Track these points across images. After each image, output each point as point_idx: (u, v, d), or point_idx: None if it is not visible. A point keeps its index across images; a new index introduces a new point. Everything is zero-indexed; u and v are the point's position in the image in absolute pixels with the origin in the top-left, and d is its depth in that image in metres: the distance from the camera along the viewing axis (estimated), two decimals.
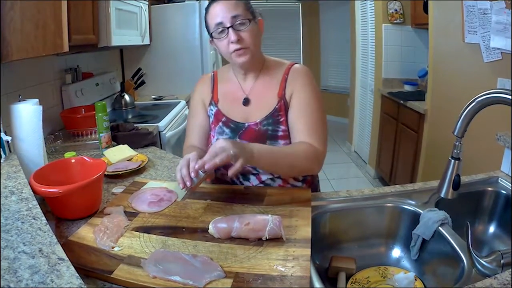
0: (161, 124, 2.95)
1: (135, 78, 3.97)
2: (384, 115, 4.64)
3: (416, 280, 1.26)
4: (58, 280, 0.83)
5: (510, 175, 1.64)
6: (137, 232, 1.24)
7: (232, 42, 1.47)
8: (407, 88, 4.47)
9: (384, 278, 1.32)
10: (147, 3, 3.77)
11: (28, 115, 1.62)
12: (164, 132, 2.94)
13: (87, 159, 1.59)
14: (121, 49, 4.26)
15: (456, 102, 2.87)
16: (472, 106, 1.13)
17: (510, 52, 2.39)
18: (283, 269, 1.03)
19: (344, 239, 1.49)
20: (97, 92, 3.36)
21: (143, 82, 4.01)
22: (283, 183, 1.62)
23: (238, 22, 1.46)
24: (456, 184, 1.20)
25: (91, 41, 2.62)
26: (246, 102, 1.63)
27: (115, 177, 1.79)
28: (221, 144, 1.28)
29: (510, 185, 1.58)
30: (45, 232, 1.03)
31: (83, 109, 2.79)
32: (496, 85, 2.54)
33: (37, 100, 1.70)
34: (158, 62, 4.24)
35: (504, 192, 1.57)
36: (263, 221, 1.17)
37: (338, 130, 6.76)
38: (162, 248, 1.15)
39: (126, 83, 3.84)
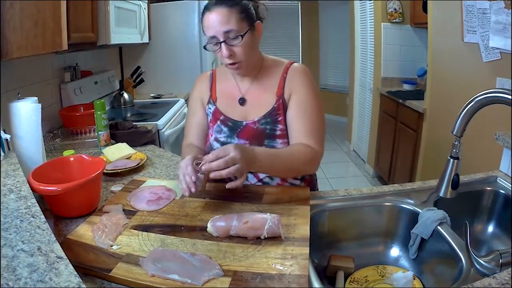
0: (160, 122, 2.95)
1: (134, 76, 3.97)
2: (383, 114, 4.64)
3: (414, 279, 1.26)
4: (56, 279, 0.83)
5: (509, 174, 1.65)
6: (135, 231, 1.24)
7: (224, 57, 1.47)
8: (406, 87, 4.48)
9: (382, 277, 1.33)
10: (146, 1, 3.76)
11: (27, 113, 1.62)
12: (163, 130, 2.94)
13: (85, 157, 1.59)
14: (120, 47, 4.26)
15: (455, 102, 2.88)
16: (471, 106, 1.13)
17: (510, 52, 2.39)
18: (281, 268, 1.03)
19: (342, 238, 1.49)
20: (96, 90, 3.36)
21: (142, 81, 4.01)
22: (281, 182, 1.62)
23: (231, 37, 1.45)
24: (455, 183, 1.20)
25: (90, 39, 2.61)
26: (242, 101, 1.63)
27: (114, 175, 1.79)
28: (232, 155, 1.27)
29: (509, 184, 1.58)
30: (43, 230, 1.03)
31: (82, 107, 2.78)
32: (495, 85, 2.54)
33: (36, 98, 1.70)
34: (157, 60, 4.23)
35: (503, 191, 1.57)
36: (262, 219, 1.17)
37: (337, 129, 6.77)
38: (160, 246, 1.15)
39: (125, 81, 3.84)
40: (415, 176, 3.79)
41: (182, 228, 1.25)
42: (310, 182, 1.69)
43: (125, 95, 3.67)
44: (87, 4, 2.49)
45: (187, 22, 4.15)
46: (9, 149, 1.62)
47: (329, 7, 7.40)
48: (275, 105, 1.58)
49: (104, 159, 1.78)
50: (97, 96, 3.33)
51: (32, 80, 2.47)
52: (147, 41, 3.95)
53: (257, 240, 1.16)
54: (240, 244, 1.15)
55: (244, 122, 1.60)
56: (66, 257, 0.91)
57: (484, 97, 1.11)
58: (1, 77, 1.96)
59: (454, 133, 1.17)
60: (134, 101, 3.80)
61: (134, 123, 2.55)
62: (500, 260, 1.08)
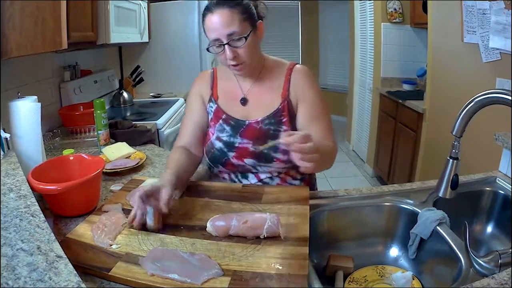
0: (160, 121, 2.95)
1: (134, 76, 3.97)
2: (382, 114, 4.64)
3: (413, 279, 1.26)
4: (56, 278, 0.83)
5: (508, 175, 1.65)
6: (135, 230, 1.24)
7: (228, 59, 1.47)
8: (406, 87, 4.48)
9: (381, 277, 1.33)
10: (146, 0, 3.76)
11: (26, 112, 1.62)
12: (162, 129, 2.94)
13: (85, 156, 1.59)
14: (120, 47, 4.25)
15: (455, 102, 2.88)
16: (471, 106, 1.13)
17: (510, 53, 2.39)
18: (281, 268, 1.03)
19: (342, 238, 1.49)
20: (95, 89, 3.36)
21: (141, 80, 4.01)
22: (281, 182, 1.62)
23: (234, 39, 1.44)
24: (454, 183, 1.20)
25: (90, 38, 2.61)
26: (244, 101, 1.63)
27: (113, 174, 1.79)
28: (311, 141, 1.22)
29: (508, 185, 1.58)
30: (43, 229, 1.03)
31: (81, 107, 2.78)
32: (494, 85, 2.54)
33: (35, 97, 1.70)
34: (157, 59, 4.23)
35: (502, 192, 1.58)
36: (261, 219, 1.17)
37: (336, 129, 6.66)
38: (160, 246, 1.15)
39: (124, 81, 3.84)
40: (415, 176, 3.79)
41: (182, 227, 1.25)
42: (309, 182, 1.69)
43: (125, 94, 3.66)
44: (87, 3, 2.49)
45: (187, 21, 4.14)
46: (8, 148, 1.62)
47: (329, 7, 7.40)
48: (280, 107, 1.58)
49: (104, 158, 1.78)
50: (97, 95, 3.32)
51: (31, 79, 2.47)
52: (147, 41, 3.95)
53: (257, 239, 1.16)
54: (239, 243, 1.15)
55: (247, 121, 1.60)
56: (65, 256, 0.91)
57: (483, 98, 1.11)
58: (0, 76, 1.96)
59: (453, 133, 1.17)
60: (134, 100, 3.79)
61: (133, 122, 2.55)
62: (499, 261, 1.09)
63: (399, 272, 1.28)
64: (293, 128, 1.60)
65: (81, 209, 1.38)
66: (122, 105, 3.62)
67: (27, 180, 1.31)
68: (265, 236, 1.15)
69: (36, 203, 1.16)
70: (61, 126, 2.63)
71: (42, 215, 1.10)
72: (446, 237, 1.26)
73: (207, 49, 1.52)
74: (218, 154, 1.62)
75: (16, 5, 1.70)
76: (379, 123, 4.77)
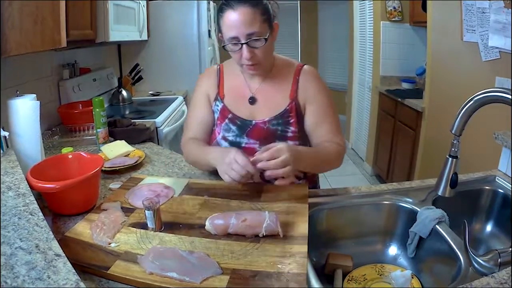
0: (158, 119, 2.95)
1: (133, 74, 3.96)
2: (381, 113, 4.64)
3: (412, 278, 1.26)
4: (54, 276, 0.82)
5: (508, 174, 1.65)
6: (134, 228, 1.24)
7: (245, 58, 1.45)
8: (405, 85, 4.48)
9: (380, 275, 1.33)
10: None
11: (25, 111, 1.62)
12: (161, 127, 2.93)
13: (84, 154, 1.58)
14: (119, 45, 4.25)
15: (454, 101, 2.88)
16: (470, 105, 1.13)
17: (509, 51, 2.38)
18: (279, 266, 1.03)
19: (341, 236, 1.49)
20: (94, 87, 3.35)
21: (140, 78, 4.00)
22: None
23: (253, 39, 1.42)
24: (454, 182, 1.20)
25: (89, 37, 2.60)
26: (253, 101, 1.62)
27: (112, 172, 1.79)
28: (287, 156, 1.32)
29: (508, 184, 1.58)
30: (42, 228, 1.02)
31: (80, 105, 2.77)
32: (494, 84, 2.54)
33: (34, 95, 1.70)
34: (156, 58, 4.22)
35: (502, 191, 1.57)
36: (260, 217, 1.17)
37: None
38: (158, 244, 1.15)
39: (123, 79, 3.83)
40: (414, 174, 3.79)
41: (180, 226, 1.25)
42: (313, 178, 1.70)
43: (124, 93, 3.66)
44: (86, 2, 2.48)
45: (186, 19, 4.14)
46: (7, 147, 1.62)
47: (329, 6, 7.39)
48: (288, 107, 1.57)
49: (103, 157, 1.78)
50: (96, 93, 3.32)
51: (30, 77, 2.46)
52: (146, 39, 3.94)
53: (256, 238, 1.16)
54: (238, 242, 1.15)
55: (254, 121, 1.59)
56: (64, 254, 0.91)
57: (483, 96, 1.11)
58: (0, 75, 1.96)
59: (453, 132, 1.17)
60: (133, 98, 3.79)
61: (132, 121, 2.55)
62: (499, 260, 1.09)
63: (398, 271, 1.28)
64: (300, 129, 1.60)
65: (80, 207, 1.38)
66: (121, 103, 3.62)
67: (26, 179, 1.31)
68: (264, 234, 1.15)
69: (35, 202, 1.16)
70: (60, 124, 2.62)
71: (40, 214, 1.10)
72: (445, 236, 1.26)
73: (223, 47, 1.49)
74: None
75: (16, 4, 1.70)
76: (378, 122, 4.77)
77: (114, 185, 1.64)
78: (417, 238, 1.36)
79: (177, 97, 3.80)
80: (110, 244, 1.14)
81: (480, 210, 1.61)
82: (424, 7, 3.78)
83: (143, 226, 1.24)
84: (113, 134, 2.29)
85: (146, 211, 1.21)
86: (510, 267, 1.04)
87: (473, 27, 2.71)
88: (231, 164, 1.35)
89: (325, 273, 1.34)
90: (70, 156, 1.58)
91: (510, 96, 1.04)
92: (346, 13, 5.95)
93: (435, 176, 1.27)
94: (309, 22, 7.72)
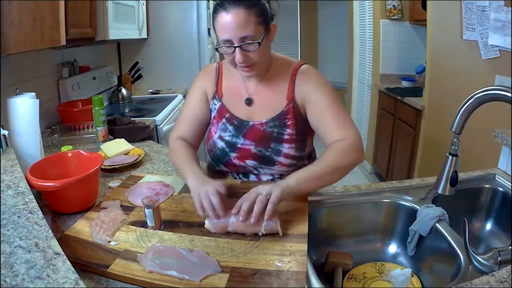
0: (158, 118, 2.95)
1: (132, 72, 3.96)
2: (381, 111, 4.64)
3: (412, 276, 1.26)
4: (54, 275, 0.82)
5: (508, 172, 1.65)
6: (133, 226, 1.24)
7: (238, 62, 1.40)
8: (405, 84, 4.47)
9: (380, 274, 1.33)
10: None
11: (25, 109, 1.62)
12: (161, 126, 2.93)
13: (83, 153, 1.58)
14: (118, 43, 4.24)
15: (454, 99, 2.87)
16: (470, 103, 1.13)
17: (509, 50, 2.38)
18: (279, 264, 1.03)
19: (341, 235, 1.49)
20: (94, 86, 3.35)
21: (140, 76, 4.00)
22: None
23: (247, 42, 1.36)
24: (454, 180, 1.20)
25: (88, 35, 2.60)
26: (249, 102, 1.58)
27: (112, 171, 1.79)
28: (261, 197, 1.21)
29: (507, 182, 1.58)
30: (41, 226, 1.02)
31: (80, 103, 2.77)
32: (493, 83, 2.54)
33: (34, 94, 1.69)
34: (155, 56, 4.22)
35: (501, 189, 1.58)
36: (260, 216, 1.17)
37: None
38: (158, 242, 1.15)
39: (123, 77, 3.83)
40: (414, 173, 3.79)
41: (180, 224, 1.25)
42: None
43: (123, 91, 3.65)
44: (85, 0, 2.48)
45: (185, 17, 4.14)
46: (7, 145, 1.62)
47: (328, 4, 7.38)
48: (285, 109, 1.54)
49: (102, 155, 1.78)
50: (95, 91, 3.31)
51: (30, 75, 2.46)
52: (146, 37, 3.95)
53: (255, 236, 1.16)
54: (238, 240, 1.15)
55: (251, 123, 1.57)
56: (63, 253, 0.91)
57: (483, 95, 1.11)
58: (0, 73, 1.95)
59: (453, 130, 1.16)
60: (132, 96, 3.78)
61: (132, 119, 2.55)
62: (499, 258, 1.09)
63: (398, 269, 1.28)
64: (299, 131, 1.55)
65: (80, 206, 1.38)
66: (120, 102, 3.62)
67: (25, 177, 1.31)
68: (264, 233, 1.15)
69: (34, 200, 1.16)
70: (60, 122, 2.62)
71: (40, 212, 1.09)
72: (445, 234, 1.26)
73: (216, 49, 1.46)
74: (220, 153, 1.61)
75: (15, 2, 1.69)
76: (378, 120, 4.77)
77: (114, 183, 1.64)
78: (417, 236, 1.36)
79: (177, 95, 3.80)
80: (109, 242, 1.14)
81: (480, 209, 1.62)
82: (423, 5, 3.78)
83: (142, 224, 1.25)
84: (113, 133, 2.28)
85: (145, 209, 1.21)
86: (510, 266, 1.04)
87: (473, 26, 2.71)
88: (203, 200, 1.24)
89: (325, 272, 1.34)
90: (69, 155, 1.58)
91: (510, 94, 1.04)
92: (346, 12, 5.94)
93: (435, 174, 1.27)
94: (308, 21, 7.70)
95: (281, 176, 1.60)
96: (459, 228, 1.18)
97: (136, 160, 1.87)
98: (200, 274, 0.99)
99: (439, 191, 1.24)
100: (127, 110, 3.34)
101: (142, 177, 1.64)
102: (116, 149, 2.00)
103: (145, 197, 1.23)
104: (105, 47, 3.93)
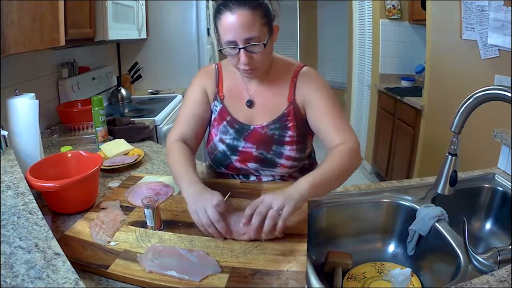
0: (158, 118, 2.94)
1: (132, 72, 3.96)
2: (380, 111, 4.64)
3: (412, 276, 1.26)
4: (54, 275, 0.82)
5: (508, 172, 1.65)
6: (133, 227, 1.24)
7: (242, 63, 1.39)
8: (404, 83, 4.47)
9: (380, 273, 1.33)
10: None
11: (24, 110, 1.62)
12: (160, 126, 2.93)
13: (83, 153, 1.58)
14: (118, 43, 4.24)
15: (453, 98, 2.88)
16: (470, 103, 1.13)
17: (509, 50, 2.38)
18: (279, 264, 1.03)
19: (340, 235, 1.49)
20: (93, 86, 3.35)
21: (139, 76, 4.00)
22: (287, 178, 1.61)
23: (252, 44, 1.35)
24: (453, 180, 1.20)
25: (88, 35, 2.60)
26: (250, 104, 1.57)
27: (112, 171, 1.79)
28: (265, 205, 1.14)
29: (507, 181, 1.58)
30: (41, 227, 1.02)
31: (79, 103, 2.77)
32: (493, 82, 2.54)
33: (33, 94, 1.69)
34: (155, 56, 4.22)
35: (501, 189, 1.58)
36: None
37: None
38: (158, 242, 1.15)
39: (122, 77, 3.83)
40: (413, 172, 3.79)
41: (180, 224, 1.25)
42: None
43: (123, 91, 3.65)
44: (85, 0, 2.48)
45: (185, 17, 4.14)
46: (6, 146, 1.62)
47: (328, 4, 7.37)
48: (285, 111, 1.53)
49: (102, 155, 1.78)
50: (95, 92, 3.31)
51: (29, 76, 2.46)
52: (145, 37, 3.95)
53: None
54: (238, 240, 1.15)
55: (252, 126, 1.56)
56: (63, 253, 0.91)
57: (482, 94, 1.11)
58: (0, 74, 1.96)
59: (452, 129, 1.17)
60: (132, 97, 3.78)
61: (131, 119, 2.55)
62: (498, 257, 1.09)
63: (398, 269, 1.28)
64: (300, 133, 1.55)
65: (79, 206, 1.38)
66: (120, 102, 3.61)
67: (25, 178, 1.31)
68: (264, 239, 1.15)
69: (34, 201, 1.16)
70: (59, 123, 2.62)
71: (40, 213, 1.10)
72: (445, 233, 1.26)
73: (220, 51, 1.43)
74: (221, 156, 1.60)
75: (14, 2, 1.69)
76: (377, 120, 4.77)
77: (113, 183, 1.64)
78: (416, 236, 1.36)
79: (176, 95, 3.79)
80: (109, 242, 1.14)
81: (480, 208, 1.62)
82: (423, 5, 3.78)
83: (142, 224, 1.25)
84: (112, 133, 2.28)
85: (145, 209, 1.21)
86: (509, 265, 1.04)
87: (472, 25, 2.71)
88: (201, 209, 1.18)
89: (324, 271, 1.34)
90: (69, 155, 1.58)
91: (509, 94, 1.04)
92: (345, 12, 5.94)
93: (435, 174, 1.27)
94: (308, 20, 7.70)
95: (282, 177, 1.60)
96: (458, 227, 1.18)
97: (135, 160, 1.87)
98: (199, 274, 0.99)
99: (439, 191, 1.24)
100: (126, 111, 3.34)
101: (141, 178, 1.64)
102: (116, 149, 2.00)
103: (145, 198, 1.23)
104: (105, 47, 3.93)
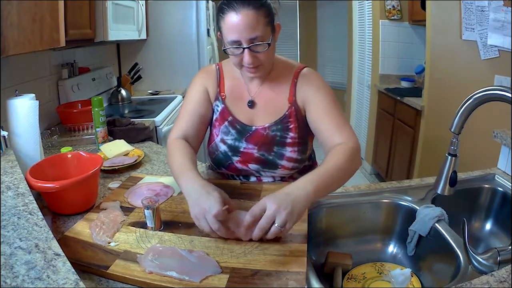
0: (158, 119, 2.94)
1: (132, 73, 3.96)
2: (380, 111, 4.64)
3: (412, 276, 1.26)
4: (54, 276, 0.83)
5: (507, 172, 1.65)
6: (133, 227, 1.24)
7: (247, 63, 1.38)
8: (404, 84, 4.48)
9: (380, 274, 1.33)
10: None
11: (24, 110, 1.62)
12: (160, 127, 2.93)
13: (83, 154, 1.58)
14: (118, 44, 4.24)
15: (453, 99, 2.87)
16: (470, 103, 1.13)
17: (508, 50, 2.39)
18: (279, 265, 1.03)
19: (340, 235, 1.49)
20: (93, 87, 3.35)
21: (139, 77, 4.00)
22: (288, 179, 1.61)
23: (256, 44, 1.35)
24: (453, 180, 1.20)
25: (87, 36, 2.60)
26: (252, 105, 1.56)
27: (112, 172, 1.79)
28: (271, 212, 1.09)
29: (507, 182, 1.58)
30: (41, 227, 1.02)
31: (79, 104, 2.77)
32: (493, 82, 2.54)
33: (33, 95, 1.69)
34: (155, 57, 4.23)
35: (501, 189, 1.58)
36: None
37: None
38: (158, 243, 1.15)
39: (122, 78, 3.83)
40: (413, 173, 3.79)
41: (180, 224, 1.25)
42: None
43: (123, 92, 3.65)
44: (84, 1, 2.48)
45: (185, 18, 4.14)
46: (6, 146, 1.62)
47: (327, 4, 7.38)
48: (287, 112, 1.53)
49: (102, 156, 1.77)
50: (95, 92, 3.31)
51: (29, 77, 2.46)
52: (145, 38, 3.95)
53: None
54: (237, 241, 1.15)
55: (254, 127, 1.55)
56: (63, 254, 0.91)
57: (482, 95, 1.11)
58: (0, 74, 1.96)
59: (452, 130, 1.17)
60: (132, 97, 3.78)
61: (131, 120, 2.55)
62: (498, 258, 1.09)
63: (398, 269, 1.28)
64: (301, 134, 1.54)
65: (79, 207, 1.38)
66: (120, 103, 3.61)
67: (25, 178, 1.31)
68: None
69: (34, 201, 1.16)
70: (59, 124, 2.62)
71: (40, 213, 1.10)
72: (445, 234, 1.26)
73: (224, 51, 1.42)
74: (222, 157, 1.59)
75: (14, 3, 1.69)
76: (377, 120, 4.77)
77: (113, 184, 1.64)
78: (416, 236, 1.36)
79: (176, 96, 3.79)
80: (109, 243, 1.14)
81: (480, 208, 1.62)
82: (423, 6, 3.78)
83: (142, 225, 1.25)
84: (112, 134, 2.28)
85: (145, 210, 1.21)
86: (509, 265, 1.04)
87: (472, 26, 2.71)
88: (201, 217, 1.14)
89: (324, 272, 1.34)
90: (69, 156, 1.58)
91: (509, 94, 1.04)
92: (345, 12, 5.94)
93: (435, 175, 1.28)
94: (308, 21, 7.70)
95: (282, 178, 1.60)
96: (458, 228, 1.18)
97: (135, 161, 1.87)
98: (200, 275, 0.99)
99: (439, 191, 1.24)
100: (126, 111, 3.34)
101: (141, 178, 1.64)
102: (116, 150, 2.00)
103: (145, 198, 1.23)
104: (105, 48, 3.94)
